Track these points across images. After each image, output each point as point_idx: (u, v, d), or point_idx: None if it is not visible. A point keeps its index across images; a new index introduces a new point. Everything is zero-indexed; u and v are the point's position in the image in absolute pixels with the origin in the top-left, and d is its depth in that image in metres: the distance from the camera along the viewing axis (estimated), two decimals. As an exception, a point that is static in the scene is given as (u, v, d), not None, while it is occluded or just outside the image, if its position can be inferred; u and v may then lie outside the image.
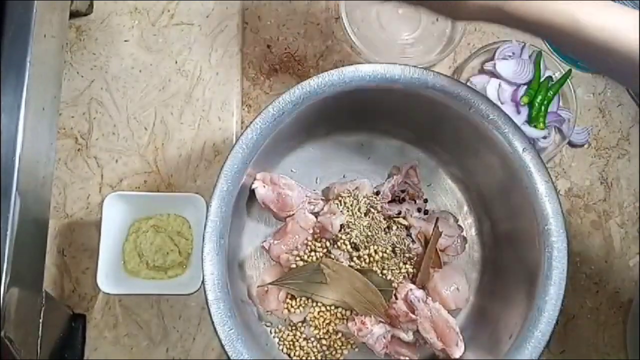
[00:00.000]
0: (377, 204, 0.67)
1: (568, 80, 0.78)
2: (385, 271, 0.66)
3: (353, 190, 0.68)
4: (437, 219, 0.68)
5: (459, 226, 0.71)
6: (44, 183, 0.53)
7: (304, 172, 0.71)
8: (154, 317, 0.70)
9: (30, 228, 0.50)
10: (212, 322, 0.56)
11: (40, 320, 0.55)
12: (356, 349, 0.67)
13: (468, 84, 0.77)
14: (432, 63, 0.79)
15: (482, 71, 0.80)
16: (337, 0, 0.80)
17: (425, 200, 0.71)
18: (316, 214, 0.67)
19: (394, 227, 0.67)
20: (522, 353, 0.58)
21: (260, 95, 0.78)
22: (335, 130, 0.71)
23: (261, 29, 0.80)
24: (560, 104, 0.79)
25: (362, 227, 0.66)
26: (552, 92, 0.77)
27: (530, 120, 0.77)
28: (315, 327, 0.66)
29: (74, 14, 0.75)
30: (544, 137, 0.77)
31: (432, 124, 0.68)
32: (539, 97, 0.77)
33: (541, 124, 0.76)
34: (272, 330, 0.67)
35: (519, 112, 0.77)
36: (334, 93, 0.61)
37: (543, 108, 0.77)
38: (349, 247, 0.66)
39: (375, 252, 0.66)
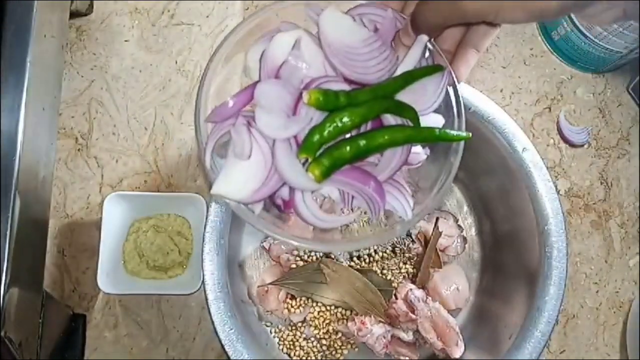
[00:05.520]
0: (377, 204, 0.67)
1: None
2: (385, 271, 0.66)
3: (353, 190, 0.68)
4: (437, 219, 0.68)
5: (459, 226, 0.71)
6: (44, 183, 0.53)
7: (304, 172, 0.71)
8: (154, 317, 0.70)
9: (30, 228, 0.50)
10: (212, 322, 0.56)
11: (40, 320, 0.55)
12: (356, 349, 0.67)
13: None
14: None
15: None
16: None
17: (425, 200, 0.71)
18: (316, 214, 0.67)
19: (394, 227, 0.67)
20: (522, 353, 0.58)
21: (260, 95, 0.78)
22: (335, 130, 0.71)
23: (261, 29, 0.80)
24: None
25: (362, 227, 0.66)
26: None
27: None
28: (315, 327, 0.66)
29: (74, 14, 0.75)
30: None
31: (432, 124, 0.68)
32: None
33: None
34: (272, 330, 0.67)
35: None
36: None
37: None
38: (349, 247, 0.66)
39: (375, 252, 0.66)
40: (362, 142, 0.38)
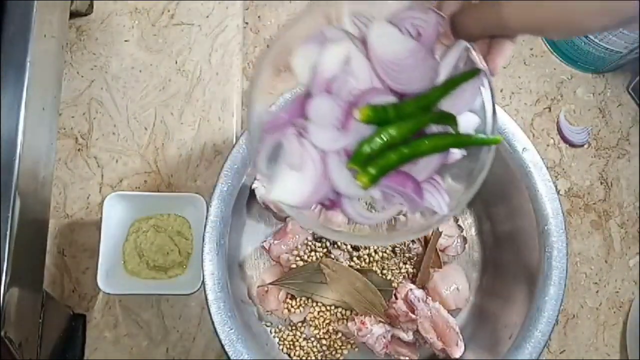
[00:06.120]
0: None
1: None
2: (385, 271, 0.66)
3: (353, 190, 0.68)
4: (437, 219, 0.68)
5: (459, 226, 0.71)
6: (44, 183, 0.53)
7: (304, 172, 0.71)
8: (154, 317, 0.70)
9: (30, 228, 0.50)
10: (212, 322, 0.56)
11: (40, 320, 0.55)
12: (356, 349, 0.67)
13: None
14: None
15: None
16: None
17: (425, 200, 0.71)
18: (316, 214, 0.67)
19: (394, 227, 0.67)
20: (522, 353, 0.58)
21: (260, 95, 0.78)
22: (335, 131, 0.71)
23: (261, 29, 0.80)
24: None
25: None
26: None
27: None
28: (315, 327, 0.66)
29: (74, 14, 0.75)
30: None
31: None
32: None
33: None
34: (272, 330, 0.67)
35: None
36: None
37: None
38: (349, 247, 0.66)
39: (375, 252, 0.66)
40: (406, 151, 0.41)
